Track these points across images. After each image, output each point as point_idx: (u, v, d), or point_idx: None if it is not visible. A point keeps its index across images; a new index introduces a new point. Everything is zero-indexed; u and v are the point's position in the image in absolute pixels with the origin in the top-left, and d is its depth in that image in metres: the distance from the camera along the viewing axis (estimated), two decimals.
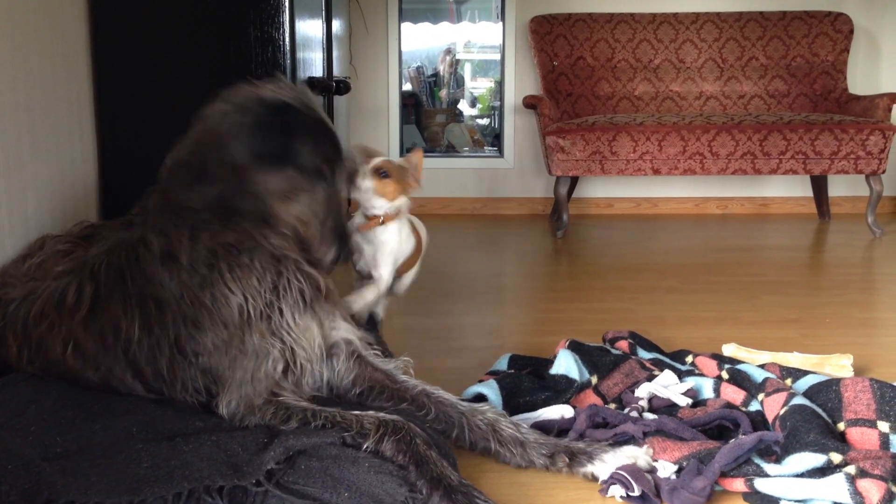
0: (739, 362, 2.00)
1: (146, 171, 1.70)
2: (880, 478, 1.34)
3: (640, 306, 2.82)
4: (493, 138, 5.87)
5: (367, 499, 1.30)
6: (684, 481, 1.41)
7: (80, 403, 1.58)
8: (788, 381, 1.87)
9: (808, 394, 1.74)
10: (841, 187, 5.01)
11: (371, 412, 1.49)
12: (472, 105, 6.69)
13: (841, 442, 1.52)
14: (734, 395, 1.81)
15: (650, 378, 1.89)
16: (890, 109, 4.34)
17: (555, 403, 1.78)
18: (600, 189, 5.12)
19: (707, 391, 1.87)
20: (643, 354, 2.12)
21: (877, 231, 4.23)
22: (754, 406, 1.76)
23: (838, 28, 4.81)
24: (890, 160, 4.29)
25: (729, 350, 2.18)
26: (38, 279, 1.78)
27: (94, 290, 1.64)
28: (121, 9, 2.58)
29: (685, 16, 4.88)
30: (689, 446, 1.51)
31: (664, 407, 1.78)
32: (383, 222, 2.16)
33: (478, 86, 6.76)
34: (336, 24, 3.54)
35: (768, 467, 1.45)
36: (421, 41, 6.54)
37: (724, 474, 1.45)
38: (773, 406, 1.68)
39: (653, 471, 1.49)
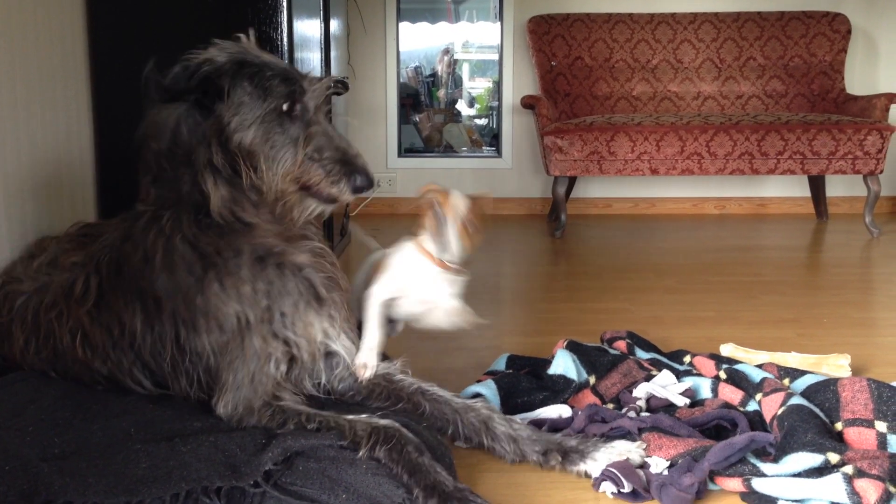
0: (737, 362, 2.00)
1: None
2: (877, 477, 1.34)
3: (637, 306, 2.82)
4: (492, 138, 5.87)
5: (365, 501, 1.30)
6: (673, 478, 1.42)
7: (79, 404, 1.58)
8: (786, 381, 1.87)
9: (805, 394, 1.75)
10: (839, 187, 5.01)
11: (364, 416, 1.48)
12: (471, 105, 6.69)
13: (838, 442, 1.52)
14: (732, 395, 1.81)
15: (648, 378, 1.89)
16: (887, 109, 4.34)
17: (553, 403, 1.78)
18: (598, 189, 5.12)
19: (705, 391, 1.87)
20: (641, 354, 2.12)
21: (874, 231, 4.23)
22: (752, 406, 1.77)
23: (836, 28, 4.81)
24: (887, 160, 4.29)
25: (727, 350, 2.18)
26: (50, 273, 1.78)
27: (99, 281, 1.65)
28: (119, 9, 2.58)
29: (683, 16, 4.88)
30: (685, 443, 1.51)
31: (662, 407, 1.79)
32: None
33: (476, 86, 6.76)
34: (334, 24, 3.54)
35: (766, 467, 1.45)
36: (419, 41, 6.54)
37: (719, 473, 1.45)
38: (770, 406, 1.69)
39: (644, 466, 1.49)
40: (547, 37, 4.82)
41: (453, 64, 6.64)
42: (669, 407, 1.78)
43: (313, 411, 1.52)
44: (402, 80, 5.38)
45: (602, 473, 1.46)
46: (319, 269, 1.65)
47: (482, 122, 6.50)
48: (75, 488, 1.27)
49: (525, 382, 1.85)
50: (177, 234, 1.54)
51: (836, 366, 2.06)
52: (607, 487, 1.44)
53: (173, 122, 1.49)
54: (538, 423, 1.68)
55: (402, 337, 2.40)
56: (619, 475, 1.43)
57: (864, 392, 1.65)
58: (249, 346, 1.54)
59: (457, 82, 6.68)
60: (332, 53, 3.47)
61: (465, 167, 5.21)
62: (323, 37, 3.27)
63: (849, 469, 1.38)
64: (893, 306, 2.96)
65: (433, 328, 1.83)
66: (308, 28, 2.94)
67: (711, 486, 1.47)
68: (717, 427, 1.67)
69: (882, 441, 1.55)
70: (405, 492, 1.32)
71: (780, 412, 1.63)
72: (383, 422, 1.45)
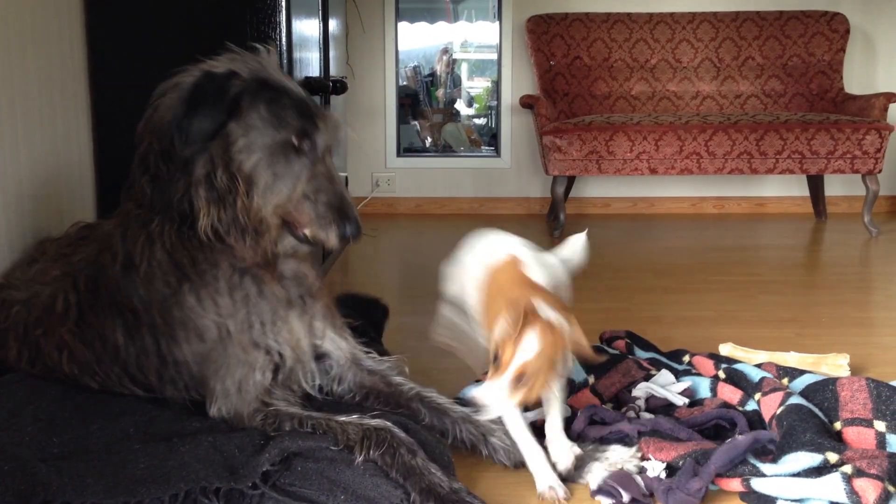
0: (736, 362, 2.00)
1: None
2: (876, 477, 1.34)
3: (636, 306, 2.82)
4: (490, 138, 5.86)
5: (363, 502, 1.30)
6: (679, 482, 1.41)
7: (77, 404, 1.58)
8: (785, 381, 1.87)
9: (804, 393, 1.75)
10: (837, 187, 5.01)
11: (355, 417, 1.47)
12: (469, 105, 6.68)
13: (837, 441, 1.52)
14: (731, 394, 1.81)
15: (647, 377, 1.89)
16: (886, 109, 4.34)
17: None
18: (597, 189, 5.12)
19: (704, 391, 1.87)
20: (640, 354, 2.12)
21: (873, 230, 4.23)
22: (751, 405, 1.77)
23: (834, 28, 4.81)
24: (886, 160, 4.29)
25: (726, 349, 2.18)
26: (39, 283, 1.78)
27: (78, 299, 1.64)
28: (117, 8, 2.58)
29: (682, 15, 4.88)
30: (685, 446, 1.51)
31: (661, 406, 1.78)
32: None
33: (474, 85, 6.75)
34: (333, 24, 3.54)
35: (764, 467, 1.45)
36: (418, 41, 6.53)
37: (719, 475, 1.45)
38: (769, 405, 1.69)
39: (642, 471, 1.49)
40: (545, 36, 4.82)
41: (452, 63, 6.64)
42: (668, 406, 1.78)
43: (305, 413, 1.51)
44: (401, 81, 5.38)
45: (599, 488, 1.45)
46: (299, 282, 1.64)
47: (481, 121, 6.49)
48: (74, 489, 1.27)
49: None
50: (158, 242, 1.53)
51: (834, 365, 2.06)
52: (605, 500, 1.44)
53: (175, 124, 1.47)
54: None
55: (400, 336, 2.40)
56: (616, 487, 1.42)
57: (863, 391, 1.65)
58: (232, 355, 1.54)
59: (455, 82, 6.68)
60: (331, 53, 3.47)
61: (463, 167, 5.21)
62: (321, 36, 3.27)
63: (848, 468, 1.38)
64: (892, 306, 2.97)
65: None
66: (306, 28, 2.94)
67: (710, 486, 1.47)
68: (716, 427, 1.67)
69: (881, 440, 1.55)
70: (403, 493, 1.32)
71: (779, 412, 1.63)
72: (374, 423, 1.44)
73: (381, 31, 5.00)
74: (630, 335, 2.22)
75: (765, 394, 1.73)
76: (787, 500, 1.39)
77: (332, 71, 3.52)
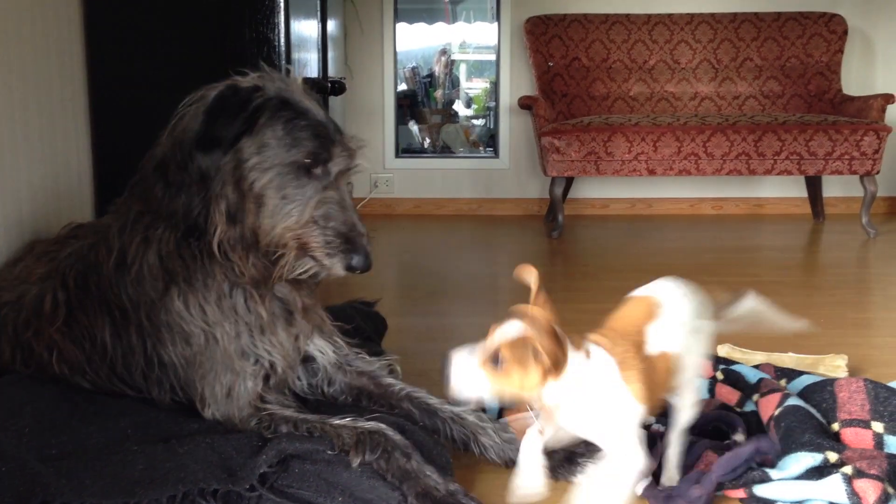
0: (734, 363, 2.00)
1: None
2: (876, 478, 1.35)
3: None
4: (489, 139, 5.87)
5: (361, 503, 1.30)
6: (681, 489, 1.41)
7: (75, 405, 1.58)
8: (783, 382, 1.87)
9: (802, 394, 1.75)
10: (835, 188, 5.01)
11: (349, 420, 1.46)
12: (468, 106, 6.69)
13: (836, 442, 1.52)
14: (729, 395, 1.82)
15: None
16: (884, 110, 4.35)
17: None
18: (595, 190, 5.12)
19: (702, 391, 1.87)
20: None
21: (871, 231, 4.24)
22: (749, 406, 1.77)
23: (832, 29, 4.82)
24: (884, 161, 4.30)
25: (724, 350, 2.18)
26: (26, 282, 1.77)
27: (67, 297, 1.64)
28: (115, 9, 2.58)
29: (680, 17, 4.88)
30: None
31: None
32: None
33: (473, 86, 6.75)
34: (331, 25, 3.54)
35: (768, 472, 1.45)
36: (416, 41, 6.54)
37: (721, 483, 1.45)
38: (767, 406, 1.69)
39: None
40: (544, 37, 4.82)
41: (450, 64, 6.64)
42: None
43: (301, 416, 1.51)
44: (399, 82, 5.38)
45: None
46: (286, 304, 1.63)
47: (479, 122, 6.50)
48: (72, 489, 1.27)
49: None
50: (154, 246, 1.53)
51: (832, 366, 2.06)
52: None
53: (194, 132, 1.46)
54: None
55: (398, 337, 2.41)
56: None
57: (861, 392, 1.65)
58: (220, 361, 1.54)
59: (454, 83, 6.68)
60: (330, 54, 3.47)
61: (462, 168, 5.21)
62: (320, 37, 3.27)
63: (848, 470, 1.38)
64: (890, 307, 2.97)
65: None
66: (305, 28, 2.94)
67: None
68: (714, 428, 1.67)
69: (879, 441, 1.56)
70: (400, 494, 1.32)
71: (777, 413, 1.63)
72: (369, 426, 1.44)
73: (379, 31, 5.00)
74: None
75: (763, 395, 1.73)
76: (787, 502, 1.39)
77: (331, 72, 3.52)
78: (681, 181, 5.08)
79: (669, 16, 4.88)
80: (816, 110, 4.72)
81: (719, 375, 1.92)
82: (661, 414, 1.75)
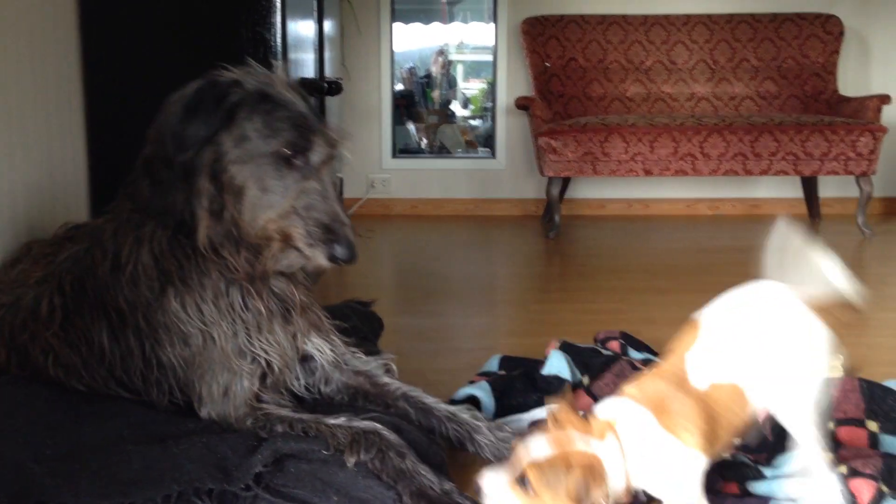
0: None
1: None
2: (871, 477, 1.35)
3: (631, 307, 2.83)
4: (486, 139, 5.87)
5: (356, 503, 1.30)
6: None
7: (71, 406, 1.58)
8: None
9: None
10: (831, 188, 5.02)
11: (344, 420, 1.46)
12: (465, 106, 6.69)
13: (831, 441, 1.53)
14: None
15: None
16: (880, 111, 4.36)
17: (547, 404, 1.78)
18: (592, 190, 5.12)
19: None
20: (634, 355, 2.12)
21: (867, 232, 4.24)
22: None
23: (829, 30, 4.83)
24: (880, 161, 4.30)
25: None
26: (23, 285, 1.77)
27: (63, 301, 1.64)
28: (111, 10, 2.57)
29: (677, 17, 4.89)
30: None
31: None
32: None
33: (470, 87, 6.76)
34: (328, 25, 3.54)
35: (759, 469, 1.45)
36: (413, 42, 6.54)
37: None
38: None
39: None
40: (541, 38, 4.83)
41: (448, 65, 6.64)
42: None
43: (296, 416, 1.51)
44: (396, 82, 5.38)
45: None
46: (284, 300, 1.63)
47: (476, 122, 6.50)
48: (67, 490, 1.27)
49: (519, 383, 1.85)
50: (146, 246, 1.53)
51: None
52: None
53: (171, 128, 1.46)
54: (537, 426, 1.68)
55: (394, 337, 2.41)
56: None
57: (856, 392, 1.65)
58: (217, 361, 1.53)
59: (451, 83, 6.68)
60: (326, 54, 3.48)
61: (459, 168, 5.22)
62: (317, 37, 3.27)
63: (843, 469, 1.38)
64: (885, 307, 2.97)
65: None
66: (302, 29, 2.94)
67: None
68: None
69: (873, 440, 1.56)
70: (395, 494, 1.32)
71: None
72: (364, 425, 1.43)
73: (376, 32, 5.00)
74: (624, 336, 2.22)
75: None
76: (782, 499, 1.39)
77: (328, 72, 3.52)
78: (677, 182, 5.09)
79: (666, 17, 4.89)
80: (813, 111, 4.73)
81: None
82: None
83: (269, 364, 1.58)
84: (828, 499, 1.34)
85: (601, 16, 4.88)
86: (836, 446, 1.48)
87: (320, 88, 3.11)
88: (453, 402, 1.73)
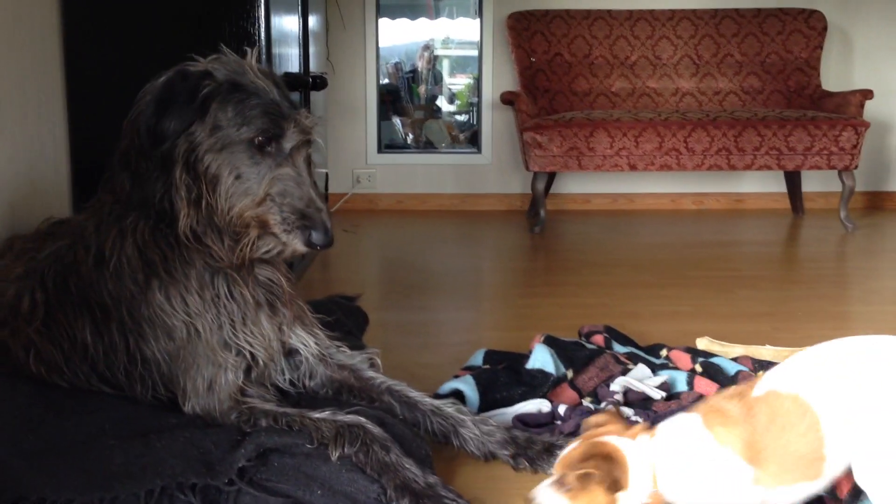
0: (713, 355, 2.02)
1: None
2: None
3: (615, 301, 2.84)
4: (471, 134, 5.87)
5: (341, 497, 1.30)
6: None
7: (52, 401, 1.57)
8: (761, 374, 1.89)
9: None
10: (814, 183, 5.05)
11: (329, 413, 1.46)
12: (451, 101, 6.69)
13: None
14: (707, 387, 1.83)
15: (625, 372, 1.90)
16: (862, 106, 4.38)
17: (532, 398, 1.79)
18: (577, 185, 5.14)
19: (681, 384, 1.88)
20: (618, 348, 2.13)
21: (849, 226, 4.27)
22: None
23: (812, 25, 4.85)
24: (862, 156, 4.33)
25: (702, 343, 2.20)
26: (4, 281, 1.76)
27: (45, 297, 1.63)
28: (93, 3, 2.55)
29: (661, 13, 4.90)
30: None
31: (639, 400, 1.80)
32: None
33: (456, 82, 6.75)
34: (312, 20, 3.53)
35: None
36: (399, 37, 6.52)
37: None
38: None
39: None
40: (526, 33, 4.83)
41: (433, 60, 6.63)
42: (646, 400, 1.79)
43: (280, 410, 1.51)
44: (382, 77, 5.37)
45: None
46: (270, 289, 1.63)
47: (462, 118, 6.49)
48: (49, 485, 1.26)
49: (503, 377, 1.85)
50: (130, 238, 1.53)
51: None
52: None
53: (144, 122, 1.46)
54: (522, 420, 1.69)
55: (379, 331, 2.41)
56: None
57: None
58: (202, 354, 1.53)
59: (437, 78, 6.67)
60: (311, 49, 3.46)
61: (444, 163, 5.21)
62: (301, 32, 3.26)
63: None
64: (867, 300, 3.00)
65: None
66: (286, 23, 2.93)
67: None
68: None
69: None
70: (379, 487, 1.32)
71: None
72: (348, 419, 1.44)
73: (361, 27, 4.99)
74: (609, 330, 2.23)
75: None
76: None
77: (313, 67, 3.51)
78: (662, 176, 5.11)
79: (651, 11, 4.90)
80: (796, 106, 4.75)
81: (698, 368, 1.94)
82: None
83: (253, 357, 1.58)
84: None
85: (586, 11, 4.89)
86: None
87: (305, 83, 3.10)
88: (438, 396, 1.74)
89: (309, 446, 1.38)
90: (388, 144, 5.59)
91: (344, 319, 2.16)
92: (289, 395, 1.67)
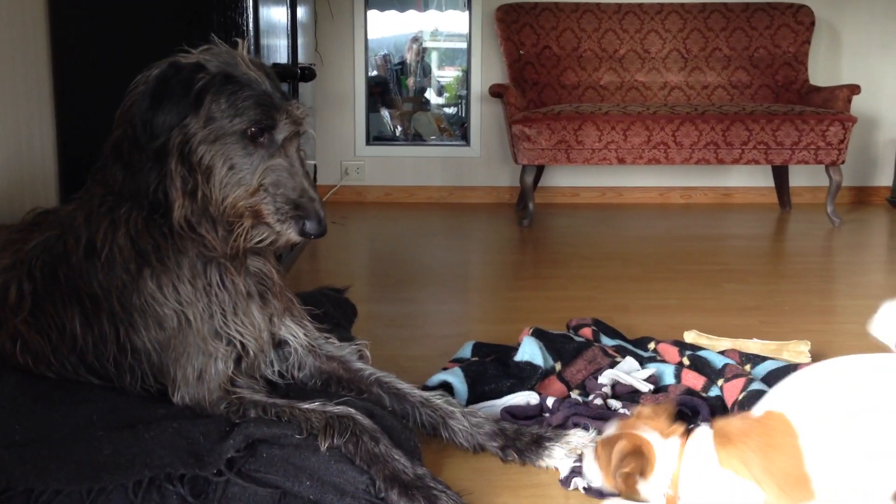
0: (700, 349, 2.03)
1: None
2: None
3: (604, 294, 2.85)
4: (460, 127, 5.86)
5: (329, 487, 1.30)
6: None
7: (41, 392, 1.56)
8: (748, 367, 1.90)
9: (766, 379, 1.77)
10: (801, 177, 5.08)
11: (318, 404, 1.46)
12: (439, 94, 6.67)
13: None
14: (695, 380, 1.84)
15: (613, 365, 1.91)
16: (850, 101, 4.41)
17: (520, 390, 1.79)
18: (566, 178, 5.14)
19: (668, 377, 1.89)
20: (606, 341, 2.14)
21: (836, 221, 4.30)
22: (714, 391, 1.79)
23: (800, 20, 4.87)
24: (849, 151, 4.36)
25: (690, 337, 2.21)
26: None
27: (33, 288, 1.62)
28: None
29: (650, 6, 4.91)
30: None
31: (627, 393, 1.81)
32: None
33: (445, 74, 6.73)
34: (301, 11, 3.51)
35: None
36: (388, 29, 6.50)
37: None
38: (732, 391, 1.71)
39: None
40: (515, 25, 4.82)
41: (422, 52, 6.61)
42: (634, 393, 1.80)
43: (270, 401, 1.51)
44: (371, 69, 5.35)
45: (571, 471, 1.47)
46: (261, 280, 1.63)
47: (451, 110, 6.48)
48: (36, 475, 1.26)
49: (492, 370, 1.85)
50: (122, 228, 1.53)
51: (796, 352, 2.09)
52: (578, 483, 1.45)
53: (140, 116, 1.46)
54: (510, 412, 1.69)
55: (368, 324, 2.41)
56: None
57: None
58: (192, 344, 1.53)
59: (426, 71, 6.65)
60: (300, 40, 3.45)
61: (433, 156, 5.21)
62: (290, 23, 3.24)
63: None
64: (853, 294, 3.02)
65: None
66: (274, 14, 2.92)
67: None
68: (678, 413, 1.69)
69: None
70: (368, 478, 1.32)
71: (740, 397, 1.66)
72: (337, 410, 1.44)
73: (350, 18, 4.97)
74: (597, 323, 2.24)
75: (727, 380, 1.76)
76: None
77: (301, 58, 3.49)
78: (650, 170, 5.12)
79: (639, 5, 4.91)
80: (784, 100, 4.77)
81: (685, 361, 1.95)
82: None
83: (244, 347, 1.58)
84: None
85: (575, 4, 4.89)
86: None
87: (293, 74, 3.08)
88: (427, 388, 1.74)
89: (298, 437, 1.38)
90: (376, 136, 5.58)
91: (332, 311, 2.15)
92: (278, 386, 1.67)
